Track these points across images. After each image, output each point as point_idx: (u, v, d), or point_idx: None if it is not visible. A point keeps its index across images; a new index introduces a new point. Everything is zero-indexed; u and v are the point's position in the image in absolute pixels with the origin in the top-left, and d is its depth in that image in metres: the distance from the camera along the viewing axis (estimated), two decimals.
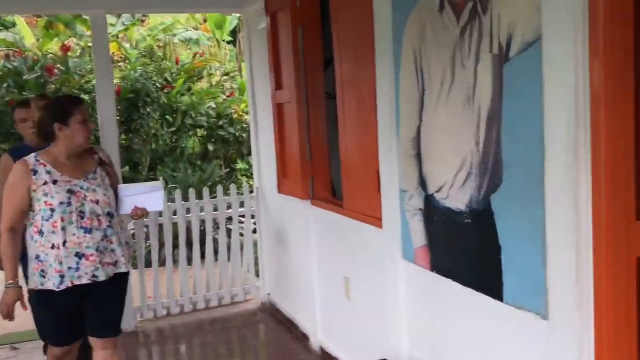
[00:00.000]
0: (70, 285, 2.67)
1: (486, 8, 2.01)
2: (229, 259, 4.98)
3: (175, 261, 4.95)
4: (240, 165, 8.90)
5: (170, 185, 7.29)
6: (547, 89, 1.78)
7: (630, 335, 1.74)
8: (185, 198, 4.88)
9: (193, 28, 10.89)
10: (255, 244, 5.10)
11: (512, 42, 1.91)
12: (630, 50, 1.65)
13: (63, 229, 2.64)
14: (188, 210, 4.79)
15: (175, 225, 4.79)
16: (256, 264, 5.13)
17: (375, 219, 2.89)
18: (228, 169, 8.96)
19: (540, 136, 1.82)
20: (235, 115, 8.89)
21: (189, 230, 4.83)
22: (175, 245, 4.98)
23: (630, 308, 1.74)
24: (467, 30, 2.12)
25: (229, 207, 4.93)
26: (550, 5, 1.75)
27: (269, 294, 4.95)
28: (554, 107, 1.77)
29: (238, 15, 4.99)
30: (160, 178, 7.49)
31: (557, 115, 1.76)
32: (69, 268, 2.66)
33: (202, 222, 4.95)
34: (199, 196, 4.88)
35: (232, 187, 4.93)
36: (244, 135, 8.63)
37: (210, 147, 8.84)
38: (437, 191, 2.38)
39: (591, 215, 1.71)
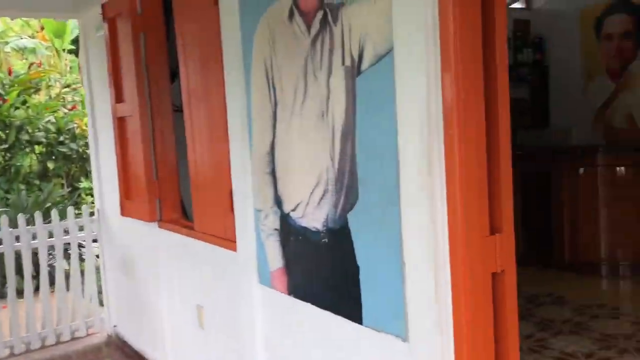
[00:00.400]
0: None
1: (337, 18, 1.92)
2: (68, 289, 4.49)
3: (2, 296, 4.35)
4: (84, 184, 8.25)
5: (1, 210, 6.51)
6: (399, 102, 1.73)
7: (488, 353, 1.72)
8: (15, 224, 4.32)
9: (29, 36, 9.96)
10: (99, 271, 4.65)
11: (364, 54, 1.83)
12: (480, 63, 1.64)
13: None
14: (18, 238, 4.24)
15: (1, 255, 4.21)
16: (101, 292, 4.68)
17: (229, 242, 2.70)
18: (70, 189, 8.26)
19: (395, 151, 1.76)
20: (78, 130, 8.25)
21: (21, 259, 4.27)
22: (3, 277, 4.38)
23: (488, 325, 1.71)
24: (318, 41, 2.02)
25: (67, 232, 4.44)
26: (400, 16, 1.69)
27: (115, 326, 4.52)
28: (407, 121, 1.71)
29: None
30: None
31: (411, 129, 1.70)
32: None
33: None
34: (32, 221, 4.34)
35: (70, 210, 4.45)
36: (88, 151, 8.00)
37: (51, 165, 8.11)
38: (293, 210, 2.25)
39: (447, 231, 1.67)
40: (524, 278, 4.71)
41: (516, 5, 6.71)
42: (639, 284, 4.77)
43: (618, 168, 4.97)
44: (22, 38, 9.58)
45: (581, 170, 5.05)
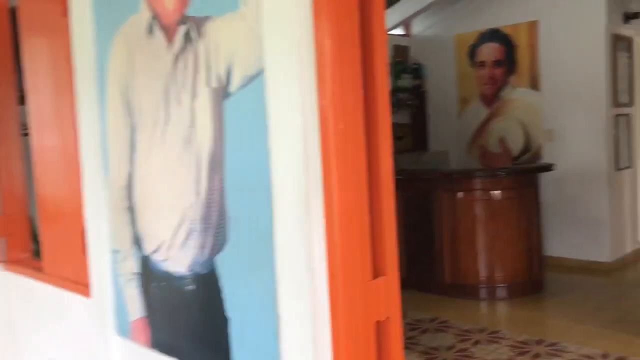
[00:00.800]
0: None
1: (202, 33, 1.70)
2: None
3: None
4: None
5: None
6: (272, 130, 1.52)
7: None
8: None
9: None
10: None
11: (232, 75, 1.61)
12: (360, 91, 1.48)
13: None
14: None
15: None
16: None
17: (82, 287, 2.34)
18: None
19: (268, 186, 1.54)
20: None
21: None
22: None
23: None
24: (181, 59, 1.77)
25: None
26: (271, 34, 1.49)
27: None
28: (281, 151, 1.51)
29: None
30: None
31: (285, 161, 1.50)
32: None
33: None
34: None
35: None
36: None
37: None
38: (155, 251, 1.96)
39: (327, 277, 1.47)
40: (406, 303, 4.69)
41: (396, 31, 6.84)
42: (514, 306, 4.90)
43: (493, 192, 5.11)
44: None
45: (459, 194, 5.14)
